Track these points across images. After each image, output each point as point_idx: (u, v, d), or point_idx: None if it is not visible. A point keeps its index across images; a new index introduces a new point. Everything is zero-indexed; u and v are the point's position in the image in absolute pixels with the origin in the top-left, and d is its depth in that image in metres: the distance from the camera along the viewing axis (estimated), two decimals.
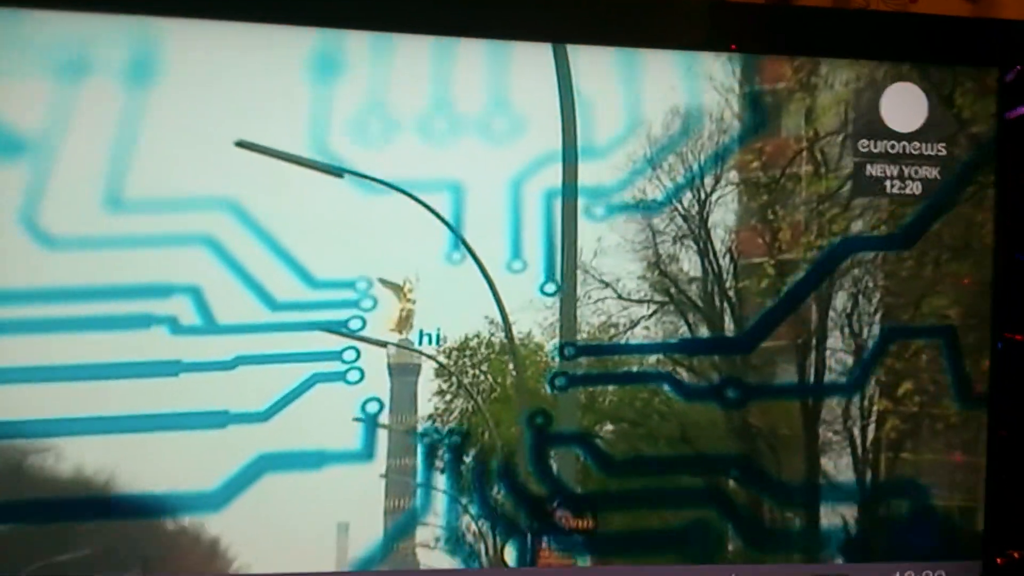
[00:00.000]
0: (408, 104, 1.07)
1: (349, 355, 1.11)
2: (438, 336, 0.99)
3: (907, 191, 1.03)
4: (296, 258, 1.16)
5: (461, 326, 1.06)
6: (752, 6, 1.13)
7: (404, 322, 0.95)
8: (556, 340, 1.01)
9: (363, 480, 1.06)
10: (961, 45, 1.05)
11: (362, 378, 1.11)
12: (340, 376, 1.11)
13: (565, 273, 0.95)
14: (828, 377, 0.96)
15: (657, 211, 0.76)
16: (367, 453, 1.11)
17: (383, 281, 1.01)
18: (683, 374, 1.01)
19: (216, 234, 1.13)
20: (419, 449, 0.86)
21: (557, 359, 1.01)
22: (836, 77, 0.98)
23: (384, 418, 1.02)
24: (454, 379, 0.73)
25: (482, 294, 0.99)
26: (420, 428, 0.78)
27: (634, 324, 0.74)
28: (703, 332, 0.80)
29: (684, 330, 0.80)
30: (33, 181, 1.02)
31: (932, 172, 1.05)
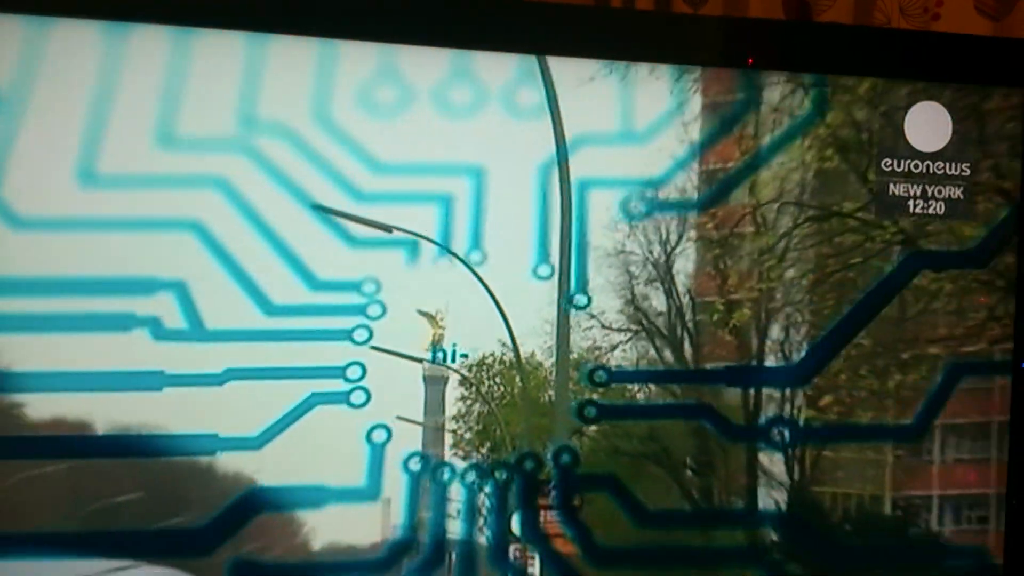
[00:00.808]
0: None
1: (353, 372, 1.09)
2: (463, 353, 1.11)
3: (930, 211, 1.11)
4: (295, 252, 1.16)
5: (481, 343, 1.14)
6: (772, 22, 1.25)
7: (437, 343, 1.08)
8: (582, 365, 1.08)
9: (366, 522, 1.03)
10: (985, 64, 1.14)
11: (368, 400, 1.08)
12: (342, 397, 1.07)
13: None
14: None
15: (634, 260, 0.97)
16: (372, 491, 1.07)
17: (419, 311, 1.10)
18: (725, 408, 1.09)
19: (204, 219, 1.11)
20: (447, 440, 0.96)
21: (583, 384, 1.08)
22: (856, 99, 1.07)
23: (390, 449, 1.08)
24: (473, 388, 0.90)
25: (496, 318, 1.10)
26: (448, 426, 0.91)
27: (613, 348, 0.92)
28: (668, 357, 0.95)
29: (653, 353, 0.95)
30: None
31: (956, 192, 1.13)
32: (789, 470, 0.95)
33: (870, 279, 1.09)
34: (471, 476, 1.13)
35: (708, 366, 1.00)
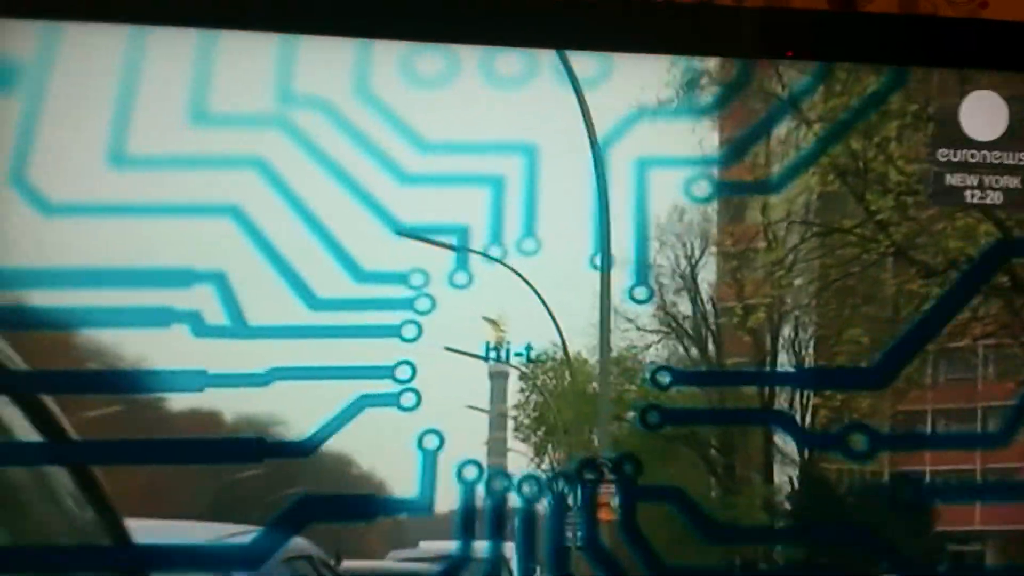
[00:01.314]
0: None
1: (403, 372, 1.09)
2: (516, 352, 1.14)
3: (988, 200, 1.14)
4: (339, 240, 1.16)
5: (534, 339, 1.19)
6: (817, 12, 1.26)
7: (499, 345, 1.12)
8: (646, 366, 1.15)
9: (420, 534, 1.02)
10: None
11: (419, 403, 1.07)
12: (392, 400, 1.06)
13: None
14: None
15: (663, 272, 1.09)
16: (425, 503, 1.08)
17: (484, 318, 1.14)
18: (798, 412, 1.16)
19: (242, 203, 1.11)
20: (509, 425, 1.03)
21: (646, 386, 1.14)
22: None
23: (443, 456, 1.07)
24: (531, 382, 1.00)
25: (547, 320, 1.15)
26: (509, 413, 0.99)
27: (647, 347, 1.04)
28: (694, 355, 1.08)
29: (681, 351, 1.08)
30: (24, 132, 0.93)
31: (1013, 182, 1.15)
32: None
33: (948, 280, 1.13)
34: (529, 487, 1.12)
35: (779, 368, 1.12)
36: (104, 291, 1.02)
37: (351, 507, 1.07)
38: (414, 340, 1.12)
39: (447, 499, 1.08)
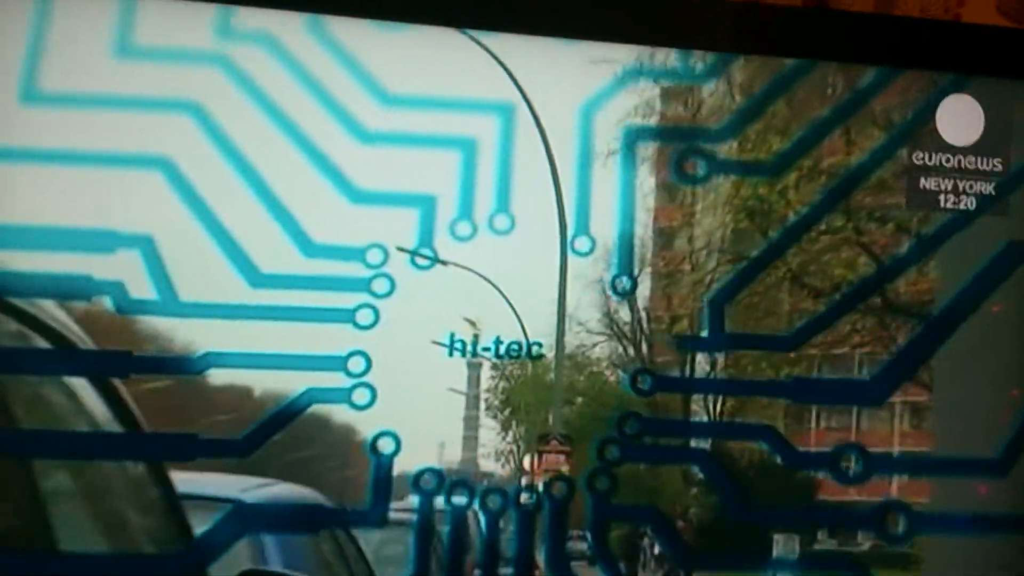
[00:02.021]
0: None
1: (356, 364, 1.04)
2: (484, 347, 1.14)
3: (961, 206, 1.22)
4: (287, 206, 1.11)
5: (503, 330, 1.17)
6: (789, 9, 1.30)
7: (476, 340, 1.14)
8: (626, 370, 1.18)
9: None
10: (1016, 57, 1.25)
11: (373, 401, 1.03)
12: (343, 396, 1.02)
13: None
14: None
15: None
16: (378, 516, 1.05)
17: (465, 319, 1.12)
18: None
19: (174, 155, 1.05)
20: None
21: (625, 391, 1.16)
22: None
23: (399, 461, 1.07)
24: (499, 371, 1.15)
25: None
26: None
27: (594, 346, 1.19)
28: (631, 353, 1.22)
29: (620, 351, 1.19)
30: None
31: (987, 188, 1.23)
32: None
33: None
34: (493, 501, 1.09)
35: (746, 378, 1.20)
36: (10, 253, 0.94)
37: (291, 519, 1.01)
38: (370, 327, 1.07)
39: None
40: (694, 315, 1.12)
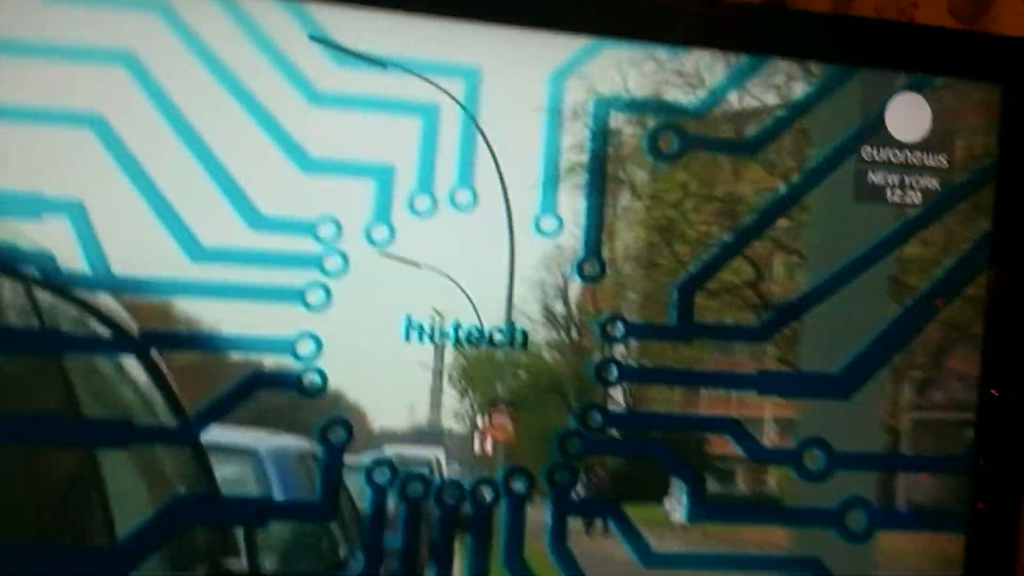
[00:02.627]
0: None
1: (306, 347, 1.01)
2: (442, 332, 1.16)
3: (907, 200, 1.29)
4: (232, 174, 1.06)
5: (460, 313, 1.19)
6: (749, 6, 1.35)
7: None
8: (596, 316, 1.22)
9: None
10: (964, 59, 1.32)
11: (323, 387, 1.00)
12: (291, 381, 0.99)
13: None
14: None
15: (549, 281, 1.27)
16: (327, 509, 1.00)
17: (435, 310, 1.14)
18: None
19: (107, 112, 0.99)
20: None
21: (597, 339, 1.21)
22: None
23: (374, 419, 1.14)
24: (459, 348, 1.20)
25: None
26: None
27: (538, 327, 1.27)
28: (564, 338, 1.30)
29: (555, 336, 1.28)
30: None
31: (932, 183, 1.30)
32: None
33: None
34: (450, 493, 1.08)
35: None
36: None
37: (235, 511, 0.98)
38: (320, 308, 1.04)
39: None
40: (615, 311, 1.20)
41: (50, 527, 0.96)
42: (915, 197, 1.29)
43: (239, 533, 1.01)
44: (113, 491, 0.99)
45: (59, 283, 0.93)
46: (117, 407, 1.03)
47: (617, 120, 1.19)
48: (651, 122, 1.21)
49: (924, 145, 1.28)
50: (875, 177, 1.28)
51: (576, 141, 1.19)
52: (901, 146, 1.28)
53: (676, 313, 1.21)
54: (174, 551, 0.97)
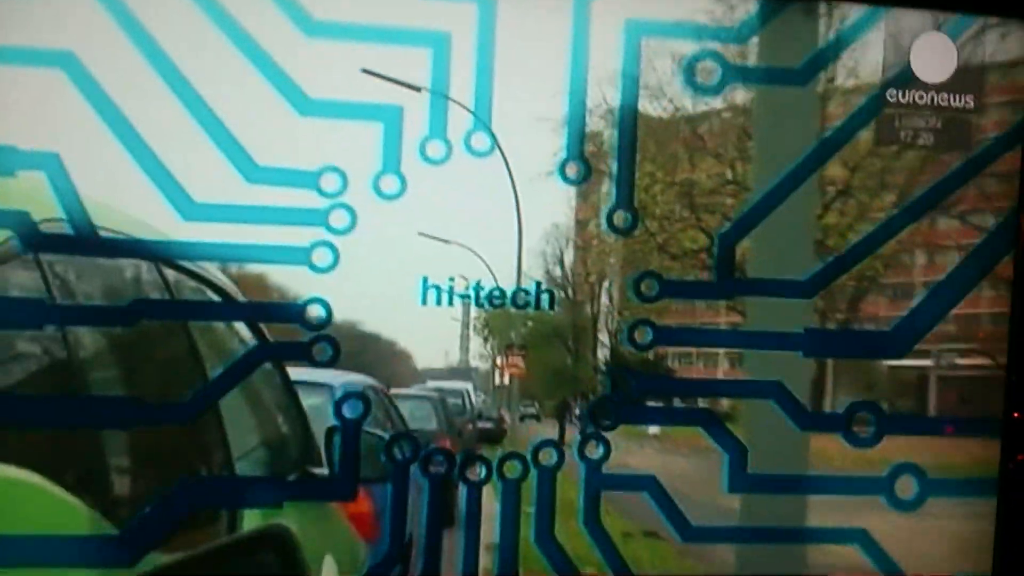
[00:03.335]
0: None
1: (315, 313, 0.94)
2: (461, 295, 1.13)
3: (920, 142, 1.28)
4: (222, 119, 0.98)
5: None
6: None
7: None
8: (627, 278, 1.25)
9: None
10: None
11: (335, 356, 0.94)
12: (301, 352, 0.93)
13: None
14: None
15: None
16: (347, 489, 0.95)
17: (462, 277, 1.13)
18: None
19: (79, 49, 0.90)
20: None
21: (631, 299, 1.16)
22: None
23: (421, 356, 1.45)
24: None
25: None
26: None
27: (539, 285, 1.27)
28: (563, 296, 1.99)
29: (559, 295, 1.50)
30: None
31: (958, 123, 1.28)
32: None
33: None
34: (475, 470, 1.03)
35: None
36: None
37: (249, 492, 1.01)
38: (328, 270, 0.97)
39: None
40: (602, 272, 1.50)
41: (180, 451, 1.13)
42: (928, 139, 1.28)
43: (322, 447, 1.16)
44: (227, 420, 1.20)
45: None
46: (229, 356, 1.11)
47: (650, 48, 1.13)
48: (686, 51, 1.14)
49: (950, 86, 1.27)
50: (900, 120, 1.27)
51: (605, 74, 1.13)
52: (927, 87, 1.26)
53: (716, 269, 1.15)
54: (275, 461, 1.13)
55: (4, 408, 0.96)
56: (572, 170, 1.13)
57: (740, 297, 1.21)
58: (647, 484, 1.14)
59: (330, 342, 1.00)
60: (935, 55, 1.28)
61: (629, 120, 1.15)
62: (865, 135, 1.29)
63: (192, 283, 1.17)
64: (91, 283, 1.14)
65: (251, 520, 1.24)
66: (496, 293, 1.14)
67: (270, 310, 0.96)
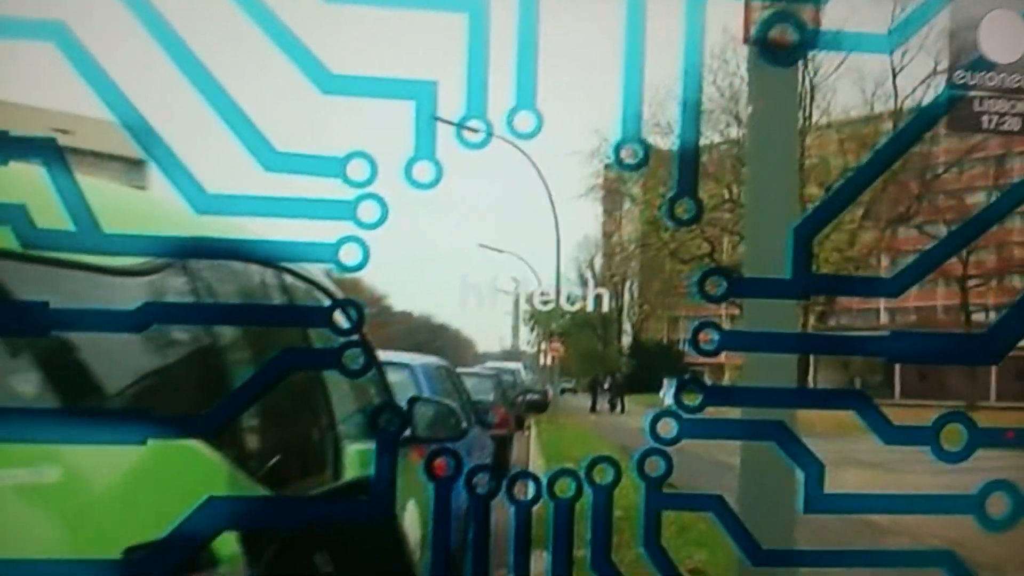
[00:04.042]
0: None
1: (343, 318, 0.89)
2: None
3: (1005, 127, 1.27)
4: (236, 102, 0.90)
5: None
6: None
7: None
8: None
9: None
10: None
11: (366, 365, 0.88)
12: (329, 360, 0.88)
13: None
14: None
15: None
16: (384, 504, 0.96)
17: (513, 279, 1.69)
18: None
19: (71, 20, 0.85)
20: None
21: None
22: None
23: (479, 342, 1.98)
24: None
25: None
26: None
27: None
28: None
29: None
30: None
31: None
32: None
33: None
34: (524, 488, 1.06)
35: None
36: None
37: (281, 512, 0.96)
38: (358, 268, 0.91)
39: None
40: (625, 275, 1.71)
41: (297, 412, 1.59)
42: (1014, 123, 1.25)
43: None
44: (331, 389, 1.71)
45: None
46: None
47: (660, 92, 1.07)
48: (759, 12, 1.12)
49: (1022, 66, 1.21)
50: (970, 104, 1.24)
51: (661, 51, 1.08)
52: (998, 68, 1.21)
53: (792, 265, 1.08)
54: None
55: None
56: (628, 153, 1.08)
57: (817, 295, 1.19)
58: (712, 504, 1.09)
59: (362, 348, 0.95)
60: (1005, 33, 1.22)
61: (692, 104, 1.08)
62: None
63: (303, 286, 1.41)
64: (229, 286, 1.29)
65: (351, 471, 1.75)
66: (571, 297, 1.22)
67: (283, 314, 0.90)
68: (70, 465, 1.12)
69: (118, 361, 1.21)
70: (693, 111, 1.08)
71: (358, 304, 0.92)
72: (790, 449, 1.09)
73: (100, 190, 0.85)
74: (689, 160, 1.08)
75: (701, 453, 1.07)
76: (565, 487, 1.04)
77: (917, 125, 1.17)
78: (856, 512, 1.14)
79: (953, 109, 1.24)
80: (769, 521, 1.20)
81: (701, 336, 1.08)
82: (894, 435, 1.12)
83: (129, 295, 1.02)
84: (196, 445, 1.20)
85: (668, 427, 1.06)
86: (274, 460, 1.44)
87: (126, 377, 1.22)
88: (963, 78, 1.23)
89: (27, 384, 1.17)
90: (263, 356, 1.12)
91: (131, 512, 1.19)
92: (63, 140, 0.73)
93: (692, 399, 1.05)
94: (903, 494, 1.18)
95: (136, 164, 0.90)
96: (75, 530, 1.15)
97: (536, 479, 1.04)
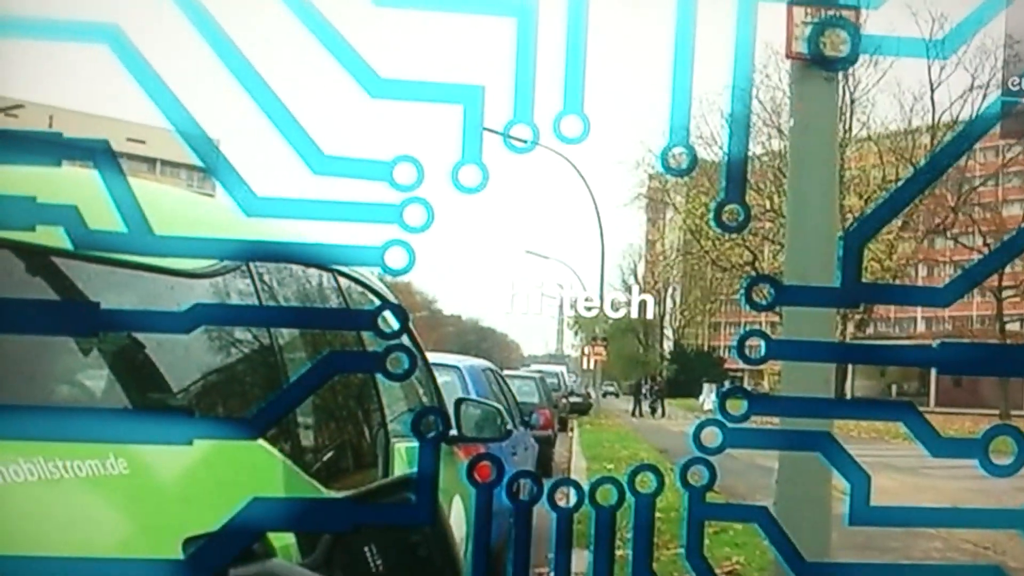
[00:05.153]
0: None
1: (388, 322, 0.90)
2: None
3: None
4: (285, 104, 0.92)
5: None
6: None
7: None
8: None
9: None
10: None
11: (410, 368, 0.89)
12: (373, 363, 0.89)
13: None
14: None
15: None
16: (426, 514, 0.98)
17: (559, 285, 1.80)
18: None
19: (126, 22, 0.88)
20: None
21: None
22: None
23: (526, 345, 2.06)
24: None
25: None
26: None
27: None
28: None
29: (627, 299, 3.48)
30: None
31: None
32: None
33: None
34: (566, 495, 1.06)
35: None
36: None
37: (321, 516, 0.98)
38: (403, 271, 0.93)
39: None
40: (667, 283, 1.71)
41: (350, 411, 1.64)
42: None
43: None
44: (382, 390, 1.76)
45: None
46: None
47: (760, 24, 1.08)
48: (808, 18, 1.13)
49: None
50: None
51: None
52: None
53: (841, 273, 1.08)
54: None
55: None
56: (677, 158, 1.09)
57: (868, 304, 1.20)
58: (757, 515, 1.08)
59: (408, 355, 0.97)
60: None
61: (740, 115, 1.10)
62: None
63: (359, 288, 1.51)
64: (290, 289, 1.38)
65: (399, 468, 1.83)
66: (614, 304, 1.20)
67: (329, 317, 0.92)
68: (135, 458, 1.16)
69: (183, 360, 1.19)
70: (741, 122, 1.11)
71: (402, 308, 0.95)
72: (835, 460, 1.11)
73: (158, 194, 0.88)
74: (737, 168, 1.08)
75: (736, 453, 1.07)
76: (607, 495, 1.08)
77: (970, 132, 1.17)
78: (901, 525, 1.15)
79: (1006, 116, 1.25)
80: (807, 526, 1.21)
81: (748, 344, 1.10)
82: (942, 447, 1.12)
83: (193, 297, 1.05)
84: (263, 445, 1.25)
85: (713, 436, 1.09)
86: (327, 456, 1.52)
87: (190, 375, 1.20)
88: (1017, 85, 1.25)
89: (93, 381, 1.20)
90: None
91: (191, 504, 1.22)
92: (138, 149, 0.76)
93: (736, 408, 1.07)
94: (948, 507, 1.19)
95: (205, 172, 0.92)
96: (139, 520, 1.18)
97: (578, 486, 1.04)
